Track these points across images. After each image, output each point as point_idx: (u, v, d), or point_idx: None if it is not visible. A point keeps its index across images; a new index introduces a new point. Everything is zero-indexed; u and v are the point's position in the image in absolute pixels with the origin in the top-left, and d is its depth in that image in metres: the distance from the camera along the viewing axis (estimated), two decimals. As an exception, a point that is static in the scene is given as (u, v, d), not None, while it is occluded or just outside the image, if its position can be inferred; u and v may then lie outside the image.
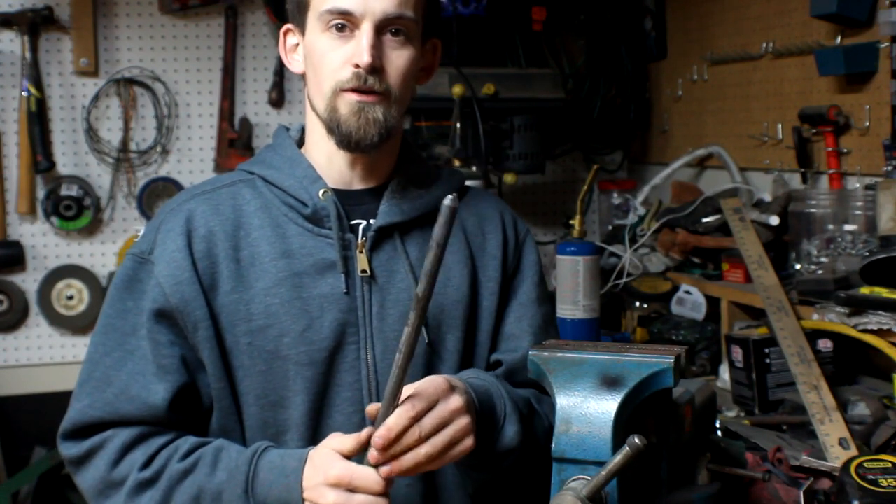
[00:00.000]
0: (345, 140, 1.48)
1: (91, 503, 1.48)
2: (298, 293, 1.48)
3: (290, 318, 1.47)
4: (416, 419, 1.30)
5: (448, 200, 1.20)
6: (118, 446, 1.44)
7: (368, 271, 1.50)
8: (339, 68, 1.46)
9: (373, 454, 1.29)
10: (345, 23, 1.45)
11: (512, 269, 1.62)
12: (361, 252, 1.51)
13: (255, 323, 1.47)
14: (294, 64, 1.56)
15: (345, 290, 1.49)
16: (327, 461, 1.32)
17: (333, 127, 1.48)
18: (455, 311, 1.54)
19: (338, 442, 1.33)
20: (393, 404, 1.29)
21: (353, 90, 1.46)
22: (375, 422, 1.30)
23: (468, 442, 1.34)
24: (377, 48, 1.45)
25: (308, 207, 1.51)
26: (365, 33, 1.44)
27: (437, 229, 1.21)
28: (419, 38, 1.51)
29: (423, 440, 1.30)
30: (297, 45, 1.55)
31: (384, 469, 1.29)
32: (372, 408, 1.33)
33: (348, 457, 1.31)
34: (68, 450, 1.48)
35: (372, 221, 1.53)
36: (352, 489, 1.29)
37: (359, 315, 1.49)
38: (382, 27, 1.46)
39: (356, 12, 1.44)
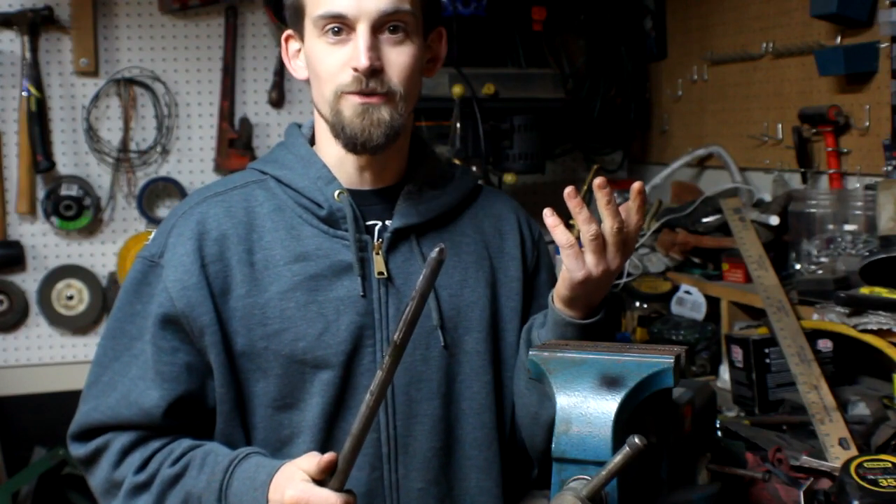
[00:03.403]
0: (350, 142, 1.45)
1: (101, 501, 1.50)
2: (314, 297, 1.46)
3: (307, 322, 1.45)
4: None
5: (435, 253, 1.17)
6: (118, 449, 1.45)
7: (385, 273, 1.48)
8: (338, 72, 1.43)
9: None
10: (340, 26, 1.42)
11: (532, 268, 1.61)
12: (378, 254, 1.49)
13: (270, 327, 1.45)
14: (298, 70, 1.53)
15: (361, 293, 1.47)
16: (288, 480, 1.30)
17: (339, 130, 1.45)
18: (471, 312, 1.52)
19: (307, 462, 1.31)
20: (359, 445, 1.25)
21: (355, 93, 1.43)
22: (339, 459, 1.27)
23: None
24: (375, 49, 1.41)
25: (323, 209, 1.48)
26: (361, 35, 1.41)
27: (422, 281, 1.17)
28: (420, 31, 1.48)
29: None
30: (299, 50, 1.53)
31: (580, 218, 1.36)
32: (323, 460, 1.28)
33: (314, 478, 1.29)
34: (76, 450, 1.50)
35: (387, 223, 1.51)
36: None
37: (375, 318, 1.48)
38: (379, 26, 1.42)
39: (350, 14, 1.41)
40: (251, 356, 1.46)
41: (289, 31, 1.54)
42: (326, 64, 1.44)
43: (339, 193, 1.49)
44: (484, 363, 1.53)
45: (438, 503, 1.50)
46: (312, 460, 1.29)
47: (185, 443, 1.46)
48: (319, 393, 1.46)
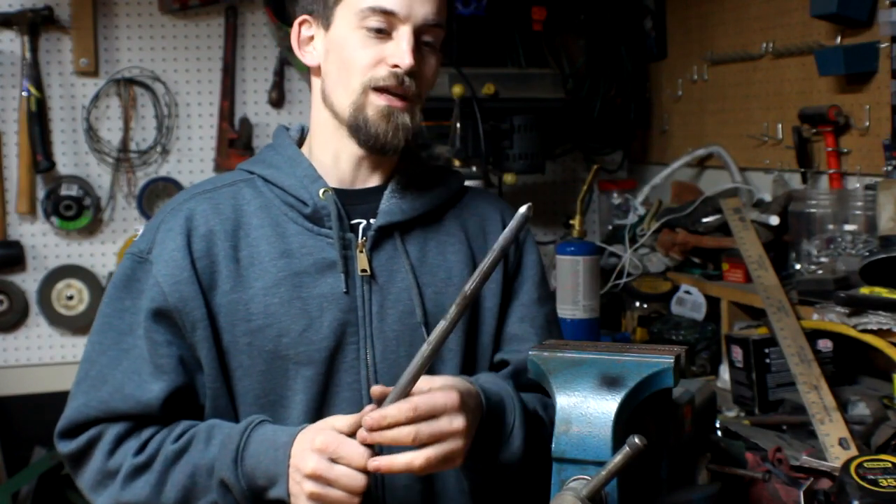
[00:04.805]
0: (371, 141, 1.48)
1: (89, 495, 1.48)
2: (298, 293, 1.47)
3: (290, 318, 1.47)
4: (414, 421, 1.29)
5: (522, 209, 1.21)
6: (112, 437, 1.45)
7: (368, 271, 1.50)
8: (371, 66, 1.46)
9: (361, 433, 1.29)
10: (384, 24, 1.45)
11: (513, 269, 1.62)
12: (361, 251, 1.50)
13: (254, 323, 1.47)
14: (308, 56, 1.55)
15: (344, 290, 1.48)
16: (318, 431, 1.33)
17: (360, 125, 1.48)
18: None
19: (338, 419, 1.34)
20: (405, 393, 1.29)
21: (386, 90, 1.46)
22: (383, 403, 1.30)
23: (457, 462, 1.33)
24: (416, 52, 1.46)
25: (308, 207, 1.50)
26: (405, 36, 1.45)
27: (506, 234, 1.22)
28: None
29: (415, 444, 1.29)
30: (312, 37, 1.54)
31: (371, 463, 1.29)
32: (376, 389, 1.32)
33: (345, 434, 1.31)
34: (65, 447, 1.49)
35: (372, 221, 1.53)
36: (335, 458, 1.29)
37: (358, 315, 1.49)
38: (419, 33, 1.46)
39: (400, 14, 1.44)
40: (235, 353, 1.47)
41: (305, 16, 1.54)
42: (360, 56, 1.46)
43: (324, 192, 1.51)
44: (463, 362, 1.54)
45: (422, 499, 1.51)
46: (344, 417, 1.33)
47: (184, 422, 1.46)
48: (303, 390, 1.47)
